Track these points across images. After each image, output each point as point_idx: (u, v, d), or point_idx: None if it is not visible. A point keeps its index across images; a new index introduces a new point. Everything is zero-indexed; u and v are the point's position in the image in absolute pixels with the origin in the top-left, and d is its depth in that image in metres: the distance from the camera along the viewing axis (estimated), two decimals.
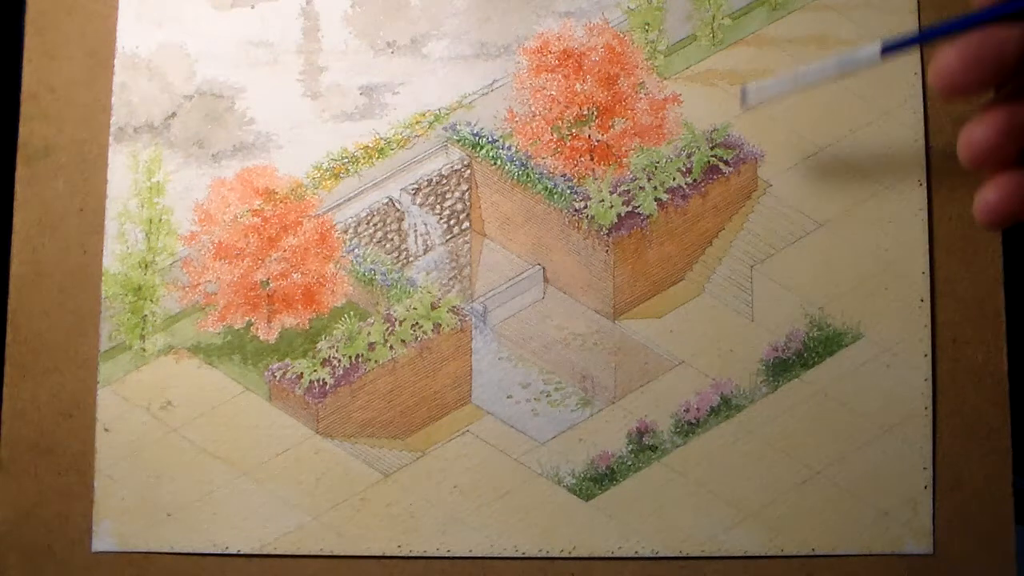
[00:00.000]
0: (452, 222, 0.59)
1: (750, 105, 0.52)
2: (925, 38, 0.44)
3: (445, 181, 0.59)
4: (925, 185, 0.57)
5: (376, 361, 0.58)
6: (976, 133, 0.43)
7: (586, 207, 0.58)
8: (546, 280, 0.59)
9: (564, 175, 0.59)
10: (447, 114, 0.59)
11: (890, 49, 0.45)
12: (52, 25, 0.59)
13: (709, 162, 0.59)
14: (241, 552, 0.56)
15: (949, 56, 0.41)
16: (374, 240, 0.59)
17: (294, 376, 0.57)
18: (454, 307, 0.58)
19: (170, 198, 0.58)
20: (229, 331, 0.58)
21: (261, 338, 0.58)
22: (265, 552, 0.56)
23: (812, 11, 0.59)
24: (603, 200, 0.58)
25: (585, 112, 0.59)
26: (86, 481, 0.56)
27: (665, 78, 0.59)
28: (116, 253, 0.58)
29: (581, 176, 0.59)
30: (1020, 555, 0.56)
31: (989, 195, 0.43)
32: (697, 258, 0.58)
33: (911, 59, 0.59)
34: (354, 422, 0.57)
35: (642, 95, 0.59)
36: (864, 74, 0.59)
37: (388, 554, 0.56)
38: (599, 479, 0.57)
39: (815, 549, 0.56)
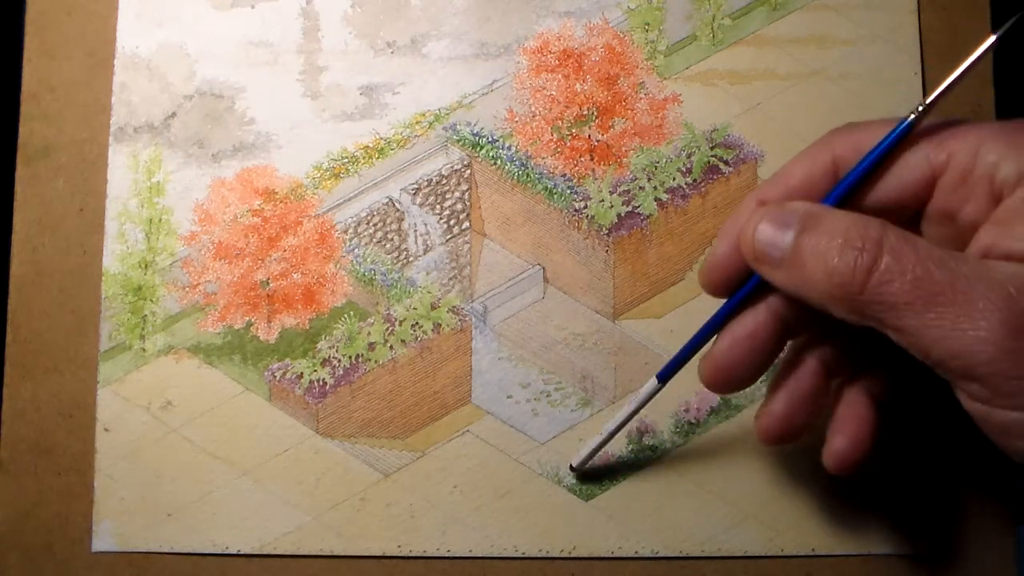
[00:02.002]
0: (452, 222, 0.59)
1: (578, 470, 0.56)
2: (685, 355, 0.50)
3: (445, 181, 0.59)
4: None
5: (376, 361, 0.58)
6: (767, 416, 0.48)
7: (586, 207, 0.58)
8: (546, 280, 0.59)
9: (564, 175, 0.59)
10: (447, 114, 0.59)
11: (665, 376, 0.50)
12: (52, 25, 0.59)
13: (709, 162, 0.59)
14: (241, 552, 0.56)
15: (714, 358, 0.47)
16: (374, 240, 0.59)
17: (294, 376, 0.57)
18: (454, 307, 0.58)
19: (170, 198, 0.58)
20: (229, 331, 0.58)
21: (261, 338, 0.58)
22: (265, 552, 0.56)
23: (812, 11, 0.59)
24: (603, 200, 0.58)
25: (585, 112, 0.59)
26: (86, 481, 0.56)
27: (665, 78, 0.59)
28: (116, 253, 0.58)
29: (581, 176, 0.59)
30: (1020, 555, 0.56)
31: (835, 445, 0.47)
32: (697, 258, 0.58)
33: (911, 59, 0.59)
34: (354, 422, 0.57)
35: (642, 95, 0.59)
36: (864, 74, 0.59)
37: (388, 554, 0.56)
38: (599, 479, 0.57)
39: (815, 549, 0.56)
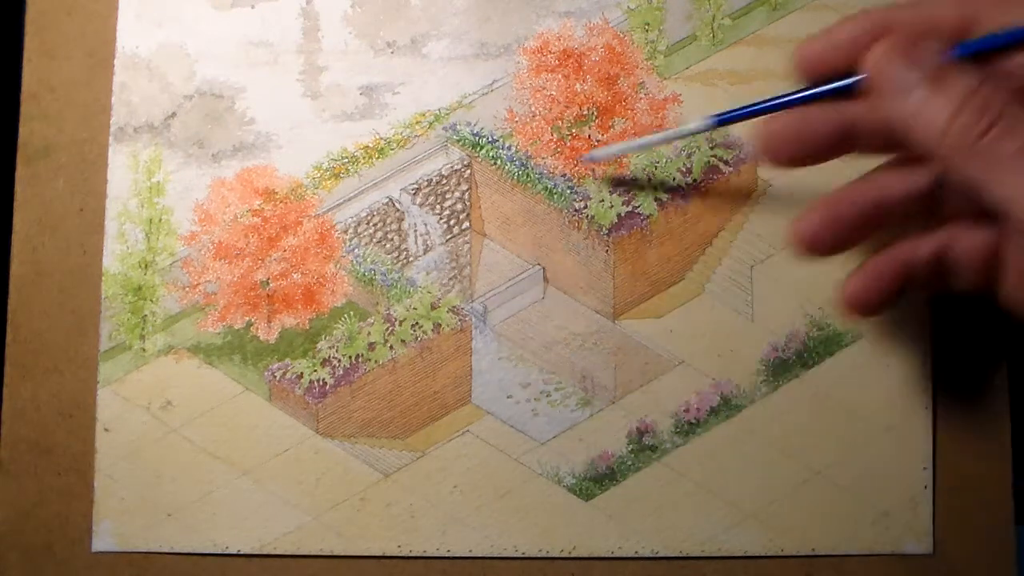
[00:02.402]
0: (452, 222, 0.59)
1: (595, 160, 0.57)
2: (753, 112, 0.50)
3: (445, 181, 0.59)
4: None
5: (376, 361, 0.58)
6: (801, 226, 0.48)
7: (586, 207, 0.58)
8: (546, 280, 0.59)
9: (564, 175, 0.59)
10: (447, 114, 0.59)
11: (722, 120, 0.52)
12: (52, 25, 0.59)
13: (709, 162, 0.59)
14: (241, 552, 0.56)
15: (772, 128, 0.47)
16: (374, 240, 0.59)
17: (294, 376, 0.57)
18: (454, 307, 0.58)
19: (170, 198, 0.58)
20: (229, 331, 0.58)
21: (261, 338, 0.58)
22: (265, 552, 0.56)
23: (812, 11, 0.59)
24: (603, 200, 0.58)
25: (585, 112, 0.59)
26: (86, 481, 0.56)
27: (665, 78, 0.59)
28: (116, 253, 0.58)
29: (581, 176, 0.59)
30: (1020, 555, 0.56)
31: (854, 283, 0.49)
32: (697, 258, 0.58)
33: None
34: (354, 422, 0.57)
35: (642, 95, 0.59)
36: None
37: (388, 554, 0.56)
38: (599, 479, 0.57)
39: (815, 549, 0.56)
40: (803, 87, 0.48)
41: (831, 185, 0.49)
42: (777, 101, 0.49)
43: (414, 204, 0.59)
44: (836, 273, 0.58)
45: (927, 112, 0.42)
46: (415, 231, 0.59)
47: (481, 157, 0.59)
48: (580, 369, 0.58)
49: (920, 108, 0.42)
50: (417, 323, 0.58)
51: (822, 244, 0.48)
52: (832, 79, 0.46)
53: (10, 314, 0.58)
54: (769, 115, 0.48)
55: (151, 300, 0.58)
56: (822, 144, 0.47)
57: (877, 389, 0.57)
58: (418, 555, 0.56)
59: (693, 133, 0.54)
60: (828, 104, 0.47)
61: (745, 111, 0.50)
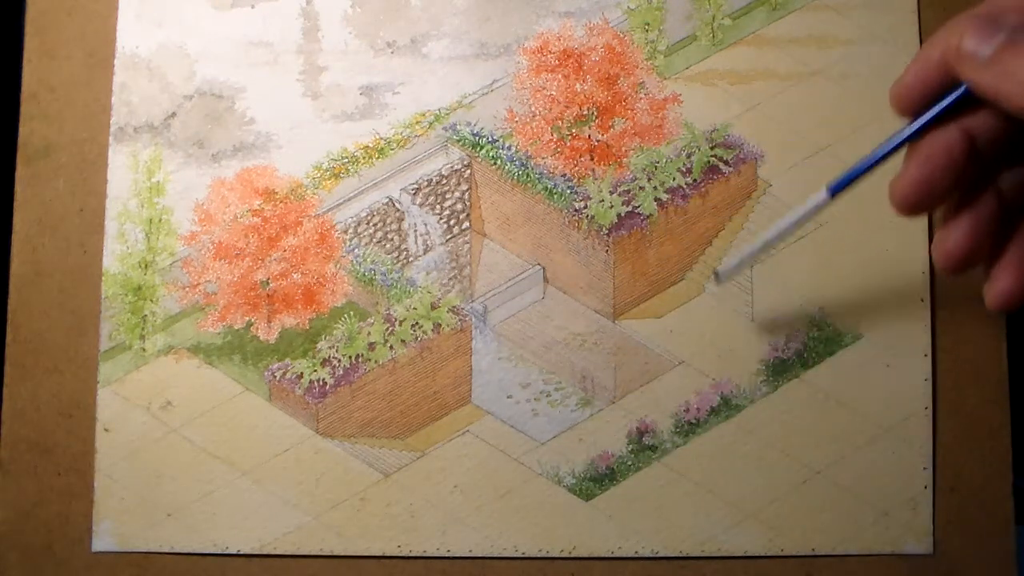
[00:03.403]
0: (452, 222, 0.59)
1: (723, 282, 0.55)
2: (866, 169, 0.47)
3: (445, 181, 0.59)
4: None
5: (376, 361, 0.58)
6: (948, 242, 0.46)
7: (586, 207, 0.58)
8: (546, 280, 0.59)
9: (564, 175, 0.59)
10: (447, 114, 0.59)
11: (837, 189, 0.47)
12: (52, 25, 0.59)
13: (709, 162, 0.59)
14: (241, 552, 0.56)
15: (906, 178, 0.44)
16: (374, 240, 0.59)
17: (294, 376, 0.57)
18: (454, 307, 0.58)
19: (170, 198, 0.58)
20: (229, 331, 0.58)
21: (261, 338, 0.58)
22: (265, 552, 0.56)
23: (812, 11, 0.59)
24: (603, 200, 0.58)
25: (585, 112, 0.59)
26: (86, 481, 0.56)
27: (665, 78, 0.59)
28: (116, 253, 0.58)
29: (581, 176, 0.59)
30: (1020, 555, 0.56)
31: (1000, 283, 0.45)
32: (697, 258, 0.58)
33: (911, 59, 0.58)
34: (354, 422, 0.57)
35: (642, 95, 0.59)
36: (864, 74, 0.59)
37: (388, 554, 0.56)
38: (599, 479, 0.57)
39: (815, 549, 0.56)
40: (907, 123, 0.46)
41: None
42: (889, 147, 0.46)
43: (414, 204, 0.59)
44: (835, 274, 0.58)
45: (1018, 60, 0.41)
46: (415, 231, 0.59)
47: (481, 157, 0.59)
48: (580, 369, 0.58)
49: (1013, 58, 0.41)
50: (417, 323, 0.58)
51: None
52: (932, 103, 0.45)
53: (10, 314, 0.57)
54: (895, 179, 0.46)
55: (151, 300, 0.58)
56: (957, 169, 0.45)
57: (877, 389, 0.57)
58: (418, 555, 0.56)
59: (814, 212, 0.49)
60: (940, 130, 0.45)
61: (862, 169, 0.47)
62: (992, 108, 0.44)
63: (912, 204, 0.45)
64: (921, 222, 0.57)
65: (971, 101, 0.44)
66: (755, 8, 0.60)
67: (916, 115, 0.46)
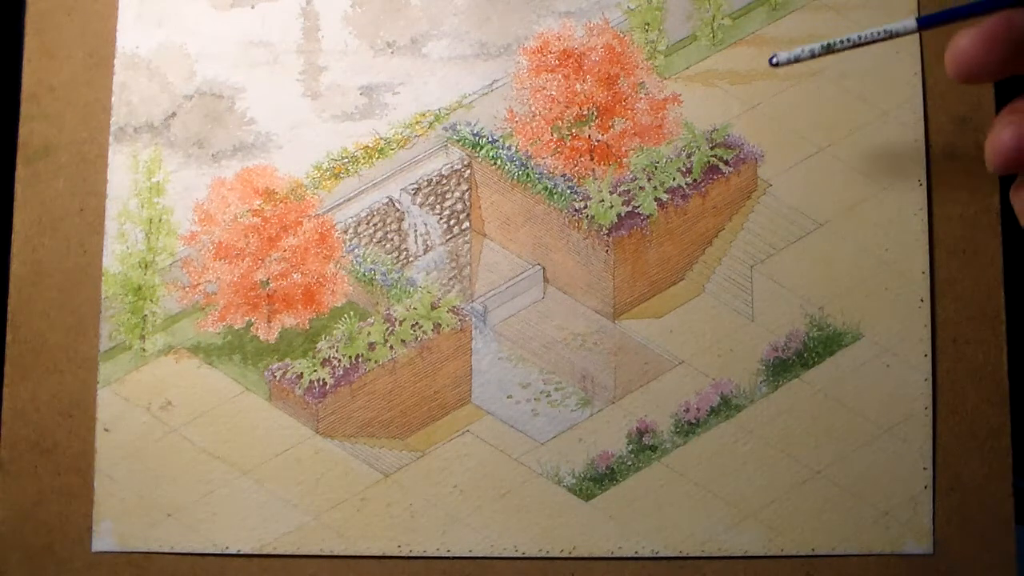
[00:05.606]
0: (452, 222, 0.59)
1: (778, 65, 0.50)
2: (967, 13, 0.44)
3: (445, 181, 0.59)
4: (925, 185, 0.57)
5: (376, 361, 0.58)
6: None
7: (586, 207, 0.58)
8: (546, 280, 0.59)
9: (564, 175, 0.59)
10: (447, 114, 0.59)
11: (927, 23, 0.45)
12: (52, 25, 0.59)
13: (709, 162, 0.59)
14: (241, 552, 0.56)
15: (965, 40, 0.42)
16: (374, 240, 0.59)
17: (294, 376, 0.57)
18: (454, 307, 0.58)
19: (170, 198, 0.58)
20: (229, 331, 0.58)
21: (261, 338, 0.58)
22: (265, 552, 0.56)
23: (812, 11, 0.59)
24: (603, 200, 0.58)
25: (585, 112, 0.59)
26: (86, 481, 0.56)
27: (665, 78, 0.59)
28: (116, 253, 0.58)
29: (581, 176, 0.59)
30: (1020, 555, 0.56)
31: (1003, 135, 0.42)
32: (697, 258, 0.58)
33: (911, 59, 0.59)
34: (354, 422, 0.57)
35: (642, 95, 0.59)
36: (864, 74, 0.59)
37: (388, 554, 0.56)
38: (599, 479, 0.57)
39: (815, 549, 0.56)
40: None
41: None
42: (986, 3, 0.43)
43: (414, 204, 0.59)
44: (835, 274, 0.58)
45: None
46: (415, 231, 0.59)
47: (481, 157, 0.59)
48: (580, 369, 0.58)
49: None
50: (417, 323, 0.58)
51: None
52: None
53: (10, 314, 0.58)
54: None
55: (151, 300, 0.58)
56: (1021, 46, 0.42)
57: (877, 389, 0.57)
58: (418, 555, 0.56)
59: (894, 35, 0.46)
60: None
61: (962, 11, 0.45)
62: None
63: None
64: (921, 222, 0.57)
65: None
66: (755, 8, 0.60)
67: None
